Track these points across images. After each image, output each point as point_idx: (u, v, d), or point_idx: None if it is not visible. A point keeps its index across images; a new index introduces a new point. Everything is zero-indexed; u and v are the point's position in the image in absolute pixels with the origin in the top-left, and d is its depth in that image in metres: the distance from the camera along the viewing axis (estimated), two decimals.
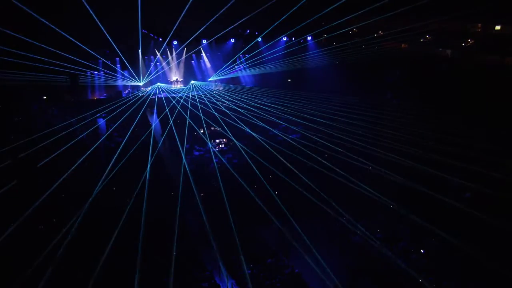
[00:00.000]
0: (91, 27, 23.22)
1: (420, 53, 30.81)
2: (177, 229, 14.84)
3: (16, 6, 18.25)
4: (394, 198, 15.51)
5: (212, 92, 35.53)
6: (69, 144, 20.19)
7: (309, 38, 32.10)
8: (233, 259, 13.58)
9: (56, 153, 18.72)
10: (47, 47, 23.01)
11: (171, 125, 25.90)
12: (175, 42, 33.66)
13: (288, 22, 27.64)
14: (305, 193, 16.54)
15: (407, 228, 14.62)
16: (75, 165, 18.49)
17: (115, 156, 20.31)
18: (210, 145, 23.77)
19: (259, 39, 32.40)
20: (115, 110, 27.91)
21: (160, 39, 30.98)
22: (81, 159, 19.05)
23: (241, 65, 36.80)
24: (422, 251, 13.45)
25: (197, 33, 28.51)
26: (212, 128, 26.85)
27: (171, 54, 36.57)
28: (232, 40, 34.66)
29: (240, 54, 36.24)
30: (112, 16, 25.17)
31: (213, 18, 21.78)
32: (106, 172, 18.44)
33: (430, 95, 26.15)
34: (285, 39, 32.96)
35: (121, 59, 33.05)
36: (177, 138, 23.13)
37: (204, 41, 34.55)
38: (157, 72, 36.52)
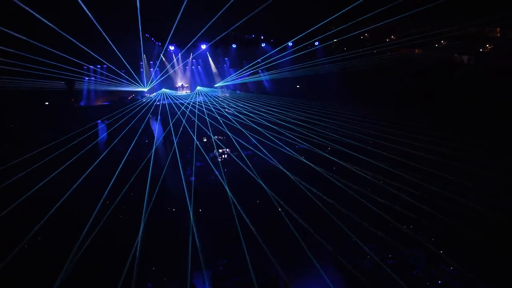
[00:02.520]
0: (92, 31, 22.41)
1: (434, 58, 29.40)
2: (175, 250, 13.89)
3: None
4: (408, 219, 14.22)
5: (218, 98, 34.52)
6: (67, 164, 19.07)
7: (316, 43, 30.75)
8: (228, 287, 12.41)
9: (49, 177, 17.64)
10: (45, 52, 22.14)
11: (173, 136, 24.99)
12: (171, 48, 32.70)
13: (296, 27, 26.60)
14: (298, 221, 15.23)
15: (422, 253, 13.23)
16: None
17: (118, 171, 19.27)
18: (208, 158, 22.60)
19: (263, 44, 31.31)
20: (117, 118, 27.03)
21: (159, 44, 30.06)
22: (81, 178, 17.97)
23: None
24: (439, 281, 12.07)
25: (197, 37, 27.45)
26: (216, 137, 25.77)
27: (177, 59, 35.75)
28: (234, 46, 33.62)
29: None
30: (114, 20, 24.27)
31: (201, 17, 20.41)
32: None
33: (445, 104, 24.77)
34: (290, 44, 31.86)
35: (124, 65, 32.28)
36: (177, 152, 22.10)
37: (203, 46, 33.58)
38: (162, 77, 35.72)
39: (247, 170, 20.29)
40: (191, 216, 15.48)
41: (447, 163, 17.32)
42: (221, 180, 19.26)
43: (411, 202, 15.12)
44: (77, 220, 14.95)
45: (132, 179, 18.91)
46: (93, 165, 19.15)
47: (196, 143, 24.98)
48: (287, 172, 18.86)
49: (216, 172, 20.57)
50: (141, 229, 14.89)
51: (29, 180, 16.64)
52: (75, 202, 16.02)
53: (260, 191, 17.87)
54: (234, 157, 22.73)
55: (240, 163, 22.10)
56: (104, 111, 29.59)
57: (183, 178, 18.86)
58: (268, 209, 16.70)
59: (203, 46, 33.57)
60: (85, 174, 18.02)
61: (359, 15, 24.40)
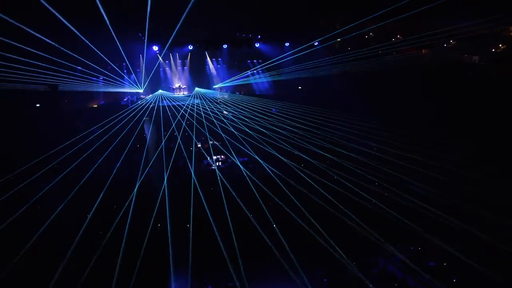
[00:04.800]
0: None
1: (443, 59, 27.78)
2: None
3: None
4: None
5: (217, 100, 33.22)
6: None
7: (316, 43, 29.13)
8: None
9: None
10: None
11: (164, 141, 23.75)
12: (155, 48, 31.34)
13: (295, 26, 25.21)
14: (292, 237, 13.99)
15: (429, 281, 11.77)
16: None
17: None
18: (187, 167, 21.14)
19: (257, 45, 29.78)
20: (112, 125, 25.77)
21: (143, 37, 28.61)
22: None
23: (255, 71, 34.30)
24: None
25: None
26: (211, 142, 24.44)
27: (174, 60, 34.54)
28: (225, 46, 32.23)
29: (254, 60, 33.98)
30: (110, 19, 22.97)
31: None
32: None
33: (455, 108, 23.22)
34: (287, 44, 30.42)
35: (120, 65, 31.11)
36: (164, 158, 20.82)
37: (190, 47, 32.22)
38: (158, 79, 34.53)
39: (242, 178, 19.02)
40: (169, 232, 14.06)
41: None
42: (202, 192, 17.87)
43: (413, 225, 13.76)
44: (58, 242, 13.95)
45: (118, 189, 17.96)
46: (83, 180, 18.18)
47: (189, 149, 23.84)
48: (279, 182, 17.50)
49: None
50: (122, 245, 13.67)
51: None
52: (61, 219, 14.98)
53: (254, 202, 16.52)
54: (234, 162, 21.44)
55: (235, 170, 20.90)
56: (97, 115, 28.55)
57: (166, 193, 17.46)
58: (261, 224, 15.19)
59: (190, 47, 32.26)
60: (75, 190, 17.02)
61: (366, 14, 23.08)
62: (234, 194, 17.26)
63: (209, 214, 15.38)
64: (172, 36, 23.60)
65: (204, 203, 16.34)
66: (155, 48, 30.95)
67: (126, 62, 29.26)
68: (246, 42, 30.42)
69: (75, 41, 21.79)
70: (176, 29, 21.63)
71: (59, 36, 20.71)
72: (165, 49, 29.30)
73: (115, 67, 29.78)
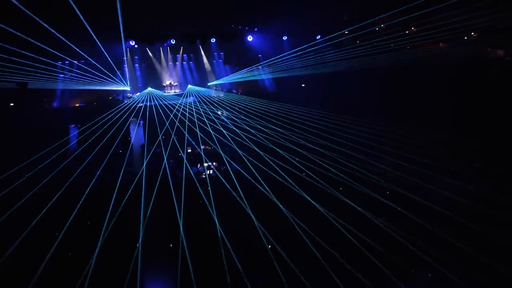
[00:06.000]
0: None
1: (463, 54, 25.04)
2: None
3: None
4: None
5: (213, 99, 30.41)
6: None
7: (318, 37, 26.47)
8: None
9: None
10: None
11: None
12: (132, 43, 28.52)
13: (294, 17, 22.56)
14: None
15: None
16: None
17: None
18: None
19: (250, 38, 26.94)
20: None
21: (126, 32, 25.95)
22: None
23: (260, 68, 31.54)
24: None
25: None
26: (203, 147, 21.66)
27: (165, 55, 31.82)
28: (213, 40, 29.50)
29: (250, 55, 31.28)
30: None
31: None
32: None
33: (478, 108, 20.43)
34: (285, 38, 27.73)
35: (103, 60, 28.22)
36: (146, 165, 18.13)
37: (173, 41, 29.39)
38: (148, 75, 31.76)
39: (235, 190, 16.19)
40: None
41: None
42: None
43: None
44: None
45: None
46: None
47: (178, 154, 21.16)
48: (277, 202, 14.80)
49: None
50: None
51: None
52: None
53: (248, 220, 13.91)
54: (227, 169, 18.71)
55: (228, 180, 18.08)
56: (77, 116, 26.08)
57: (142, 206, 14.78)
58: (255, 245, 12.79)
59: (173, 41, 29.49)
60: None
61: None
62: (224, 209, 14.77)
63: (182, 234, 12.84)
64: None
65: (180, 219, 13.77)
66: (132, 43, 28.20)
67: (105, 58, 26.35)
68: (238, 35, 27.74)
69: (52, 36, 19.25)
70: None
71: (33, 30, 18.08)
72: (124, 41, 26.35)
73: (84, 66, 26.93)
